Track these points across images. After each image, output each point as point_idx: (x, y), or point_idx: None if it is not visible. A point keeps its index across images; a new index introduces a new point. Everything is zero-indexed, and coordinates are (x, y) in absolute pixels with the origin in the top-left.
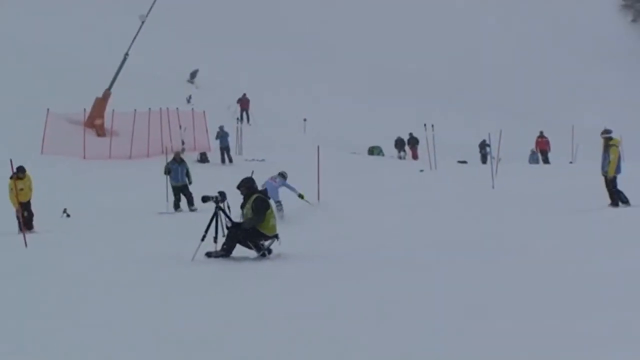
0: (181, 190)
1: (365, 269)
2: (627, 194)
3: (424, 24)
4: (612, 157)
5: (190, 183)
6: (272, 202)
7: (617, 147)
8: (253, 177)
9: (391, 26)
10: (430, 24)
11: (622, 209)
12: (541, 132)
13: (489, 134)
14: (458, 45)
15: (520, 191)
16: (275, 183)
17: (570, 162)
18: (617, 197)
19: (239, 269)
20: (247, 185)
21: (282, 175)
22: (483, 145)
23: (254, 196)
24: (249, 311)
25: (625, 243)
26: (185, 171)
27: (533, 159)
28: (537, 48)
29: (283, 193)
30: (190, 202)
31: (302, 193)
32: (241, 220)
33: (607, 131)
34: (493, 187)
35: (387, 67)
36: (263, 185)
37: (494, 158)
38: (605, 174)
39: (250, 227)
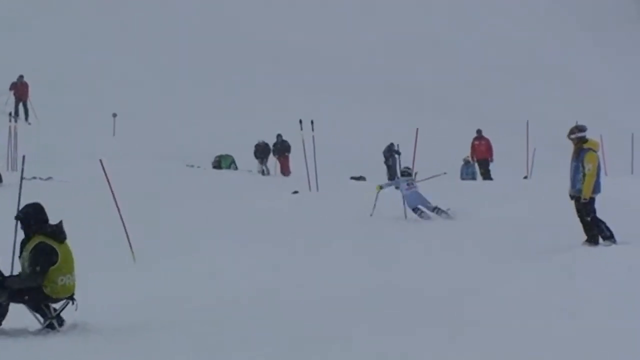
0: None
1: (209, 348)
2: (615, 224)
3: None
4: (590, 167)
5: None
6: None
7: (595, 152)
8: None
9: None
10: None
11: (603, 248)
12: (479, 132)
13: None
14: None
15: (445, 224)
16: (413, 187)
17: (525, 177)
18: (595, 231)
19: (11, 350)
20: (32, 217)
21: (407, 173)
22: (390, 152)
23: (37, 240)
24: None
25: (609, 303)
26: None
27: (467, 172)
28: (471, 11)
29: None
30: None
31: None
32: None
33: (579, 129)
34: (405, 217)
35: (243, 37)
36: (406, 199)
37: None
38: (577, 194)
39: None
